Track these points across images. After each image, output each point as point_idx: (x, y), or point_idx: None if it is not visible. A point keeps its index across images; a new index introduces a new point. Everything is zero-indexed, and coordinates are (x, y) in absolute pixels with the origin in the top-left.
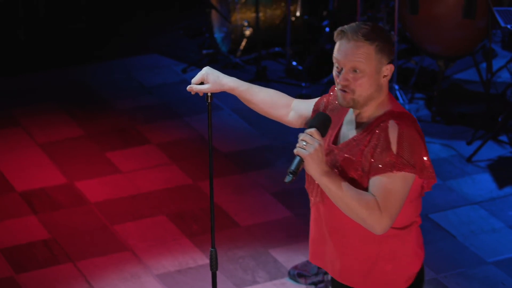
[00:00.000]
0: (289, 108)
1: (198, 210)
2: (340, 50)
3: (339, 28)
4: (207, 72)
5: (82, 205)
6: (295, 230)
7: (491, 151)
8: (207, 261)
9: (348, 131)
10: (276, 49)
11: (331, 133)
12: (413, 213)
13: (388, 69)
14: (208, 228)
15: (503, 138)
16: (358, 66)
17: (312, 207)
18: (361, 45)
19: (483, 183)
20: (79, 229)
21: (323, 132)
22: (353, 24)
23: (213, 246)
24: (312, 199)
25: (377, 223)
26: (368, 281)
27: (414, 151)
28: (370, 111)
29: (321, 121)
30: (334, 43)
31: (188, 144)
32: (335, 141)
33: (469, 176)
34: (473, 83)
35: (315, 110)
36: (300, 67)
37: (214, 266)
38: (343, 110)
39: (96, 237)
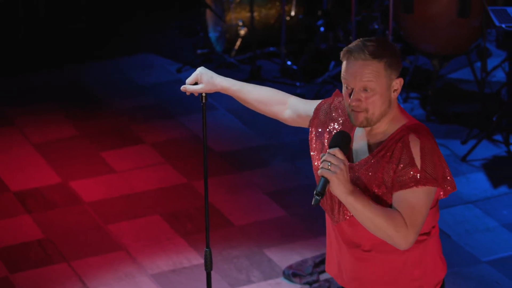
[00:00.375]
0: (285, 106)
1: (193, 209)
2: (348, 70)
3: (345, 48)
4: (201, 72)
5: (76, 205)
6: (289, 229)
7: (486, 150)
8: (202, 260)
9: (362, 148)
10: (271, 48)
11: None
12: (434, 218)
13: (398, 83)
14: (203, 228)
15: (498, 137)
16: (369, 85)
17: (330, 225)
18: (369, 63)
19: (477, 183)
20: (73, 229)
21: (345, 151)
22: (358, 42)
23: (207, 246)
24: (331, 216)
25: (404, 240)
26: None
27: (436, 164)
28: (383, 127)
29: (342, 140)
30: (328, 42)
31: (183, 143)
32: (348, 158)
33: (464, 175)
34: (467, 83)
35: (315, 117)
36: (294, 67)
37: (208, 266)
38: (351, 126)
39: (91, 236)
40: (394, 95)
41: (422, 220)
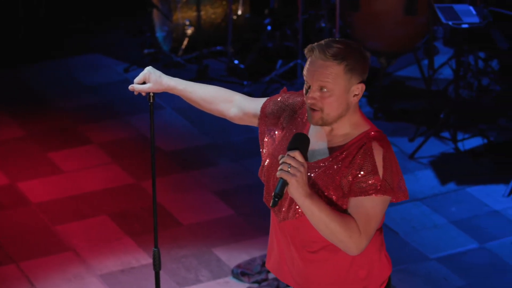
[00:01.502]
0: (231, 104)
1: (141, 209)
2: (309, 67)
3: (310, 45)
4: (149, 71)
5: (24, 206)
6: (238, 228)
7: (433, 147)
8: (150, 260)
9: (319, 148)
10: (218, 48)
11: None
12: (381, 220)
13: (358, 88)
14: (151, 228)
15: (445, 134)
16: (325, 85)
17: (275, 222)
18: (329, 64)
19: (425, 180)
20: (21, 230)
21: (304, 154)
22: (324, 41)
23: (156, 246)
24: (277, 214)
25: (355, 246)
26: None
27: (394, 174)
28: (345, 130)
29: (302, 142)
30: (275, 41)
31: (130, 143)
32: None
33: (411, 172)
34: (414, 80)
35: (263, 114)
36: (241, 66)
37: (157, 266)
38: (302, 123)
39: (39, 237)
40: (354, 100)
41: (375, 227)
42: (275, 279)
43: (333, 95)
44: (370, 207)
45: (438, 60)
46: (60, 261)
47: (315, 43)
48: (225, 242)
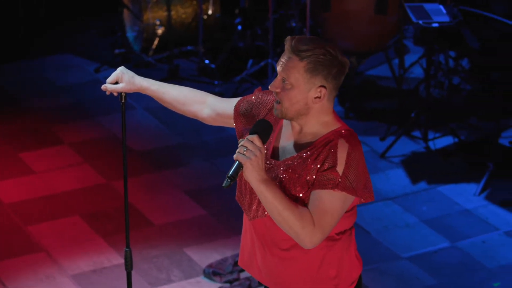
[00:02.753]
0: (203, 105)
1: (112, 209)
2: (280, 57)
3: (289, 36)
4: (121, 71)
5: None
6: (209, 228)
7: (405, 146)
8: (122, 260)
9: (289, 146)
10: (189, 47)
11: (266, 147)
12: (352, 219)
13: (320, 92)
14: (122, 228)
15: (416, 133)
16: (287, 78)
17: (246, 220)
18: (293, 59)
19: (396, 179)
20: None
21: (264, 139)
22: (304, 36)
23: (127, 246)
24: (248, 212)
25: (308, 238)
26: None
27: (359, 173)
28: (314, 129)
29: (262, 128)
30: (246, 41)
31: (101, 143)
32: (274, 155)
33: (382, 172)
34: (385, 79)
35: (237, 112)
36: (212, 65)
37: (129, 266)
38: (275, 121)
39: (10, 238)
40: (316, 102)
41: (331, 223)
42: (247, 278)
43: (293, 90)
44: (327, 201)
45: (409, 59)
46: (32, 261)
47: (295, 36)
48: (196, 242)
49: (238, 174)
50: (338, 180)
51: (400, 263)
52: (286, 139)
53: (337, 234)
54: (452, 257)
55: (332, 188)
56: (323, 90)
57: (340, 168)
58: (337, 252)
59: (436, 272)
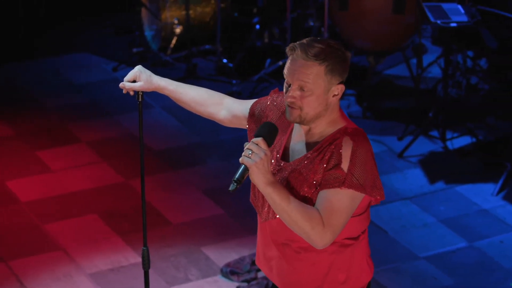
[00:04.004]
0: (220, 106)
1: (129, 208)
2: (289, 66)
3: (292, 44)
4: (139, 70)
5: (13, 205)
6: (226, 227)
7: (422, 146)
8: (139, 259)
9: (298, 148)
10: (206, 46)
11: (278, 149)
12: (364, 223)
13: (338, 89)
14: (140, 227)
15: (434, 133)
16: (306, 85)
17: (261, 221)
18: (310, 65)
19: (414, 178)
20: (10, 229)
21: (269, 142)
22: (306, 40)
23: (145, 245)
24: (260, 213)
25: (319, 238)
26: None
27: (366, 170)
28: (321, 128)
29: (268, 131)
30: (264, 40)
31: (119, 142)
32: (284, 157)
33: (400, 171)
34: (403, 79)
35: (252, 114)
36: (230, 65)
37: (146, 265)
38: (287, 123)
39: (28, 236)
40: (333, 100)
41: (341, 222)
42: (265, 277)
43: (313, 95)
44: (335, 200)
45: (427, 59)
46: (49, 260)
47: (297, 42)
48: (214, 241)
49: (244, 178)
50: (344, 178)
51: (417, 263)
52: (296, 140)
53: (348, 239)
54: (469, 257)
55: (339, 186)
56: (342, 86)
57: (345, 166)
58: (347, 257)
59: (453, 272)
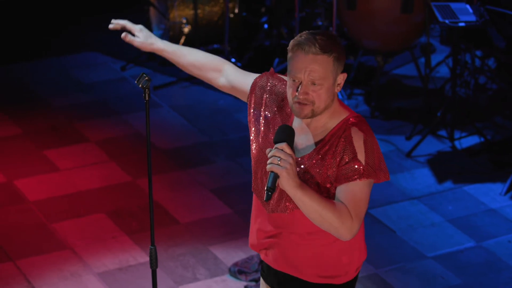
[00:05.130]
0: (219, 73)
1: (137, 207)
2: (297, 64)
3: (294, 41)
4: (141, 28)
5: (21, 204)
6: (234, 227)
7: (430, 146)
8: (147, 258)
9: (302, 141)
10: (215, 46)
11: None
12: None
13: (341, 78)
14: (147, 226)
15: (442, 132)
16: (317, 79)
17: (259, 205)
18: (320, 58)
19: (422, 178)
20: (18, 228)
21: (291, 145)
22: (306, 35)
23: (152, 244)
24: (266, 206)
25: (349, 231)
26: (326, 273)
27: (376, 157)
28: (324, 120)
29: (288, 134)
30: (272, 39)
31: (126, 141)
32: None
33: (408, 171)
34: (411, 78)
35: (252, 90)
36: (238, 64)
37: (154, 264)
38: (287, 114)
39: (36, 235)
40: (337, 89)
41: (365, 210)
42: None
43: (323, 87)
44: (358, 191)
45: (435, 58)
46: (57, 259)
47: (296, 40)
48: (222, 240)
49: (277, 185)
50: (362, 170)
51: (425, 262)
52: (298, 133)
53: None
54: (478, 256)
55: (359, 178)
56: (344, 74)
57: (361, 158)
58: (351, 241)
59: (461, 271)
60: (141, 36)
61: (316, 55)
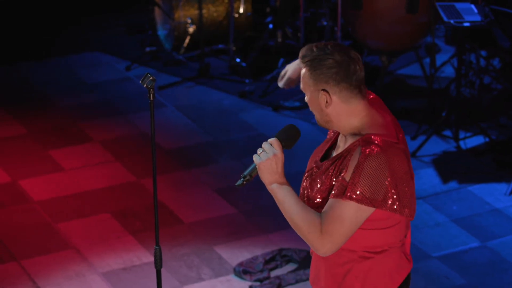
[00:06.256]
0: None
1: (142, 207)
2: None
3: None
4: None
5: (26, 204)
6: (239, 227)
7: (435, 146)
8: (152, 258)
9: (334, 152)
10: (220, 46)
11: (321, 149)
12: (390, 238)
13: (322, 95)
14: (152, 226)
15: (447, 133)
16: (303, 90)
17: None
18: (301, 67)
19: (427, 178)
20: (23, 228)
21: (287, 144)
22: (317, 44)
23: (157, 244)
24: None
25: (317, 244)
26: None
27: (374, 183)
28: (346, 134)
29: (287, 133)
30: (277, 40)
31: (131, 141)
32: (325, 158)
33: (414, 171)
34: (416, 78)
35: None
36: (243, 64)
37: (158, 264)
38: None
39: (40, 235)
40: (327, 107)
41: (342, 232)
42: (277, 277)
43: (310, 101)
44: (337, 209)
45: (440, 58)
46: (62, 259)
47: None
48: (226, 240)
49: (253, 175)
50: (345, 189)
51: (429, 262)
52: (337, 144)
53: (368, 252)
54: (482, 256)
55: (340, 197)
56: (325, 94)
57: (347, 176)
58: (365, 269)
59: (465, 271)
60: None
61: (300, 64)
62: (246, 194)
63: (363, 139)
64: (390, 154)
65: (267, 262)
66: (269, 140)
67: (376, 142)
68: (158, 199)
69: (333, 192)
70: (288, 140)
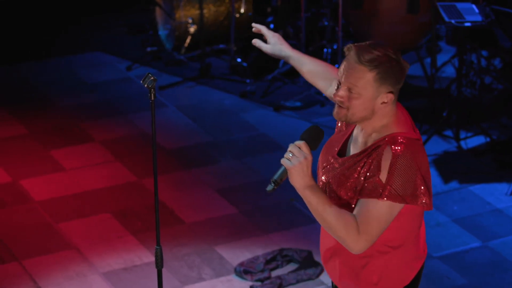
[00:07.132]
0: (329, 82)
1: (142, 207)
2: (342, 65)
3: (350, 44)
4: (273, 35)
5: (26, 203)
6: (240, 227)
7: (436, 146)
8: (153, 258)
9: (352, 147)
10: (220, 46)
11: (337, 142)
12: (410, 232)
13: (388, 97)
14: (153, 225)
15: (448, 132)
16: (354, 88)
17: None
18: (361, 69)
19: None
20: (24, 228)
21: (313, 146)
22: (366, 43)
23: (158, 244)
24: None
25: (354, 244)
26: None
27: (406, 181)
28: (370, 130)
29: (312, 134)
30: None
31: (132, 141)
32: (342, 153)
33: None
34: (417, 78)
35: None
36: (244, 64)
37: (159, 264)
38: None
39: (41, 235)
40: (382, 107)
41: (377, 231)
42: (278, 277)
43: (360, 99)
44: (373, 209)
45: (441, 58)
46: (62, 259)
47: (356, 43)
48: (227, 240)
49: (283, 179)
50: (381, 189)
51: (430, 262)
52: (354, 138)
53: (387, 246)
54: (483, 256)
55: (377, 197)
56: (391, 95)
57: (383, 176)
58: (382, 263)
59: (466, 271)
60: (272, 42)
61: (358, 65)
62: (246, 194)
63: (391, 138)
64: (415, 151)
65: (268, 262)
66: (297, 143)
67: (403, 141)
68: (159, 199)
69: (366, 192)
70: (314, 141)
